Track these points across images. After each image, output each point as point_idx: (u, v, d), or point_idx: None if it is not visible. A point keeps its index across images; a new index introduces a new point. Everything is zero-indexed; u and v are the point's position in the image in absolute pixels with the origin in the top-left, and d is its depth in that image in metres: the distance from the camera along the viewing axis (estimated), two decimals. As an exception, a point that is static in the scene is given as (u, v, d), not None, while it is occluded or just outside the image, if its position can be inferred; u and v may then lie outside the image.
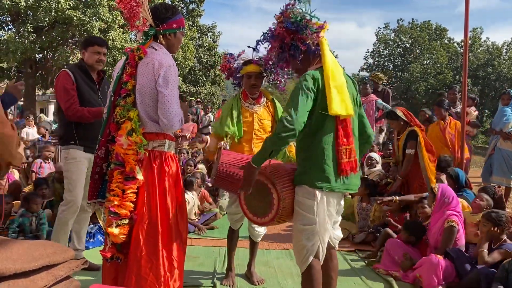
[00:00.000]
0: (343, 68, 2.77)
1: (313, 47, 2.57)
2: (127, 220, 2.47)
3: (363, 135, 2.78)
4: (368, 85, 8.25)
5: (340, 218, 2.76)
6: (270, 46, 2.73)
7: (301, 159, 2.57)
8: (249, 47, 3.54)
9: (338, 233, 2.76)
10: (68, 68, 3.67)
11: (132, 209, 2.49)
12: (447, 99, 6.95)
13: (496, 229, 3.57)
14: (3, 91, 3.08)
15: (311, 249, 2.51)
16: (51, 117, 15.38)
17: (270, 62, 3.50)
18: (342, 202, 2.73)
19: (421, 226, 4.30)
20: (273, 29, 2.65)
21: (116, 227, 2.44)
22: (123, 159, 2.48)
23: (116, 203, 2.44)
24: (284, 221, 2.76)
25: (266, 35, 2.75)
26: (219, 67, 3.83)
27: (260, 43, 3.36)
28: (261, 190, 2.56)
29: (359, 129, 2.73)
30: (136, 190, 2.51)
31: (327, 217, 2.53)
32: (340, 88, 2.47)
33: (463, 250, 3.94)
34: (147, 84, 2.53)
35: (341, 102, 2.44)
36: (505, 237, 3.63)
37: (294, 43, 2.58)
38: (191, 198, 5.66)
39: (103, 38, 4.07)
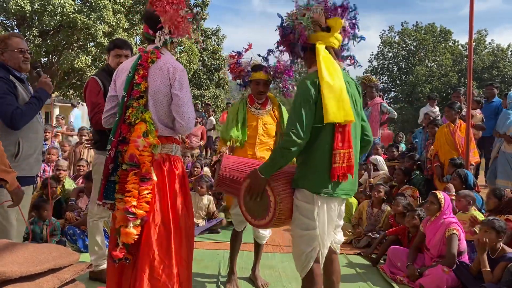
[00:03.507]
0: (344, 69, 2.72)
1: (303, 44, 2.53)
2: (139, 221, 2.48)
3: (362, 139, 2.72)
4: (374, 89, 8.22)
5: (342, 222, 2.74)
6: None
7: (300, 162, 2.56)
8: (259, 55, 3.60)
9: (340, 237, 2.74)
10: (95, 75, 3.67)
11: (148, 210, 2.51)
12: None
13: (498, 237, 3.56)
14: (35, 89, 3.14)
15: (310, 254, 2.50)
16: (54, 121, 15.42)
17: (279, 71, 3.58)
18: (343, 207, 2.71)
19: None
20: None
21: (132, 227, 2.45)
22: (139, 160, 2.50)
23: (134, 203, 2.45)
24: (282, 224, 2.75)
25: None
26: (228, 67, 3.85)
27: (271, 52, 3.42)
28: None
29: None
30: (151, 191, 2.53)
31: (328, 222, 2.50)
32: (338, 93, 2.41)
33: (466, 252, 3.95)
34: (162, 88, 2.57)
35: (338, 109, 2.39)
36: (501, 244, 3.61)
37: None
38: (195, 202, 5.67)
39: (124, 40, 4.02)
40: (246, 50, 3.68)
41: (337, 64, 2.51)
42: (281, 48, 2.71)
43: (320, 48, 2.49)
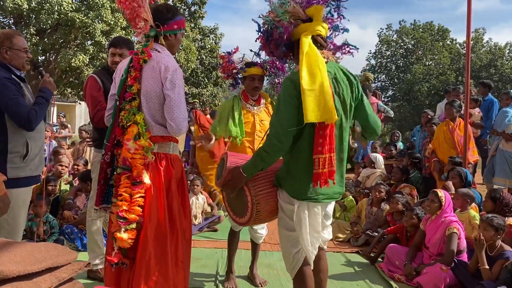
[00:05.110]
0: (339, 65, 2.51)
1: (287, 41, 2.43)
2: (134, 225, 2.45)
3: (367, 129, 2.61)
4: (367, 90, 8.24)
5: (329, 222, 2.65)
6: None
7: (284, 162, 2.48)
8: (251, 50, 3.58)
9: (327, 235, 2.64)
10: (95, 73, 3.63)
11: (140, 213, 2.47)
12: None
13: (497, 235, 3.57)
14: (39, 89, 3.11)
15: (297, 255, 2.45)
16: (54, 120, 15.41)
17: (275, 66, 3.55)
18: (331, 208, 2.62)
19: None
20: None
21: (124, 232, 2.42)
22: (131, 164, 2.47)
23: (124, 207, 2.42)
24: (264, 222, 2.74)
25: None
26: (220, 68, 3.84)
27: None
28: (239, 191, 2.53)
29: (363, 124, 2.59)
30: (143, 194, 2.49)
31: (311, 226, 2.42)
32: (318, 93, 2.22)
33: (465, 251, 3.96)
34: (154, 88, 2.52)
35: (317, 108, 2.21)
36: (500, 242, 3.61)
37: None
38: (193, 202, 5.66)
39: (123, 38, 3.97)
40: (234, 52, 3.68)
41: (322, 58, 2.32)
42: (266, 53, 2.59)
43: (305, 41, 2.31)
